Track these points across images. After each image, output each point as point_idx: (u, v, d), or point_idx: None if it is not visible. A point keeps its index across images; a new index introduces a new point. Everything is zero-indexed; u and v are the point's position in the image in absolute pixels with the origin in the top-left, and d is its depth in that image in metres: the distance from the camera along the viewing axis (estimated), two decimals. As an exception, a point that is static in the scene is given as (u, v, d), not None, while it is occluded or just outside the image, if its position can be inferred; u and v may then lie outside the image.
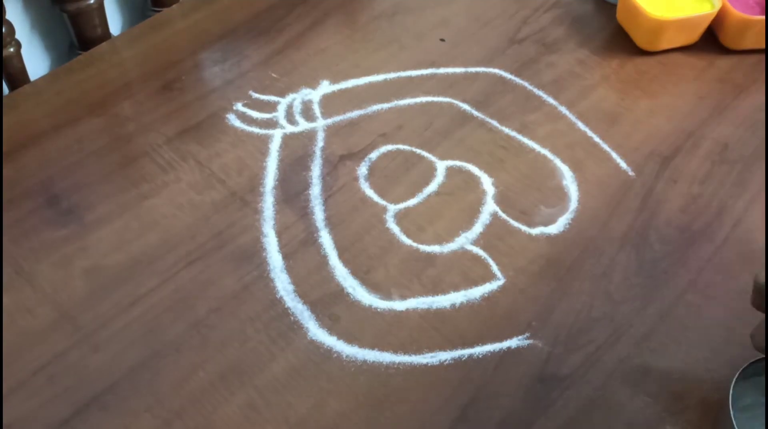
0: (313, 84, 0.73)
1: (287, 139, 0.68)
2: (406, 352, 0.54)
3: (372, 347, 0.54)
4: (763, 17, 0.73)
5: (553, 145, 0.68)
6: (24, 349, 0.53)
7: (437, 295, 0.57)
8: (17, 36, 0.73)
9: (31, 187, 0.63)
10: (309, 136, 0.68)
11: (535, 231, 0.61)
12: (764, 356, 0.49)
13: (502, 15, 0.81)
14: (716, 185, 0.65)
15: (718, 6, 0.74)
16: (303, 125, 0.69)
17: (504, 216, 0.62)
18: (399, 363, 0.53)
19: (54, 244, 0.59)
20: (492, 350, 0.54)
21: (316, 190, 0.64)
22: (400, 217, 0.62)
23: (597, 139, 0.69)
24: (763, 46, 0.76)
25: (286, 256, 0.59)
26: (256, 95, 0.72)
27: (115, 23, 0.85)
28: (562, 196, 0.64)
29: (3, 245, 0.59)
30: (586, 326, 0.55)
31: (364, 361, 0.53)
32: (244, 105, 0.71)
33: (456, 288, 0.57)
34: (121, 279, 0.57)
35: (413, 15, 0.81)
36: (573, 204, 0.63)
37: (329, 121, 0.70)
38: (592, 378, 0.52)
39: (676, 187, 0.65)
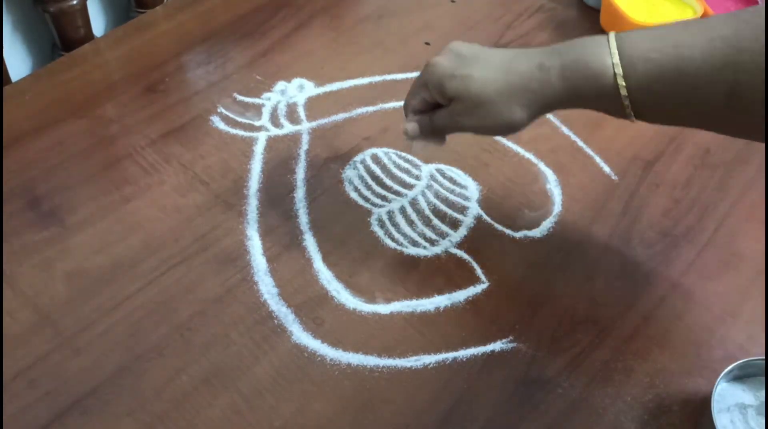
0: (297, 87, 0.73)
1: (272, 141, 0.68)
2: (390, 355, 0.54)
3: (356, 351, 0.54)
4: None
5: (537, 149, 0.68)
6: (4, 352, 0.53)
7: (421, 298, 0.57)
8: (-1, 36, 0.73)
9: (12, 189, 0.63)
10: (293, 138, 0.68)
11: (519, 234, 0.61)
12: (745, 359, 0.49)
13: (486, 19, 0.82)
14: (698, 189, 0.66)
15: (700, 12, 0.75)
16: (287, 128, 0.69)
17: (488, 219, 0.62)
18: (383, 366, 0.53)
19: (35, 247, 0.59)
20: (476, 354, 0.54)
21: (300, 193, 0.64)
22: (384, 221, 0.62)
23: (580, 143, 0.69)
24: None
25: (270, 260, 0.59)
26: (240, 97, 0.71)
27: (98, 24, 0.84)
28: (545, 200, 0.64)
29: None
30: (569, 329, 0.55)
31: (348, 365, 0.53)
32: (228, 107, 0.71)
33: (440, 291, 0.58)
34: (103, 282, 0.57)
35: (398, 18, 0.82)
36: (557, 208, 0.64)
37: (314, 123, 0.70)
38: (576, 381, 0.53)
39: (658, 191, 0.65)
